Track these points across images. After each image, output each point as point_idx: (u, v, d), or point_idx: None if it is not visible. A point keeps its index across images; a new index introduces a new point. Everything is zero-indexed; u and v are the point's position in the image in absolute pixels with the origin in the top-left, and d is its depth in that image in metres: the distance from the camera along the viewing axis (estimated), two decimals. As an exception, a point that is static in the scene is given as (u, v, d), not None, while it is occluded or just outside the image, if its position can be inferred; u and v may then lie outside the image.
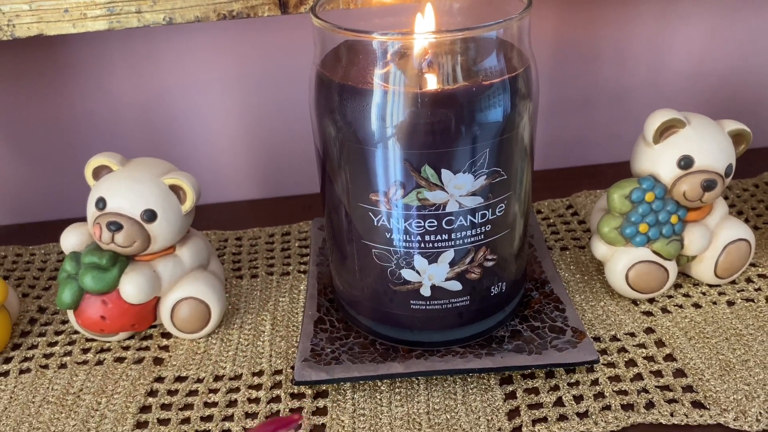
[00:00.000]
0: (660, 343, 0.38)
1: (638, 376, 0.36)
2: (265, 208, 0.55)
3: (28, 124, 0.52)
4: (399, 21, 0.38)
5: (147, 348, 0.40)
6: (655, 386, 0.35)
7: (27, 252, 0.50)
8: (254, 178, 0.56)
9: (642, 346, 0.38)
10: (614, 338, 0.39)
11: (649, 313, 0.40)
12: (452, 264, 0.34)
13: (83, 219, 0.40)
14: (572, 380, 0.36)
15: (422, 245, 0.33)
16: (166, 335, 0.41)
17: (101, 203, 0.38)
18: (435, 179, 0.32)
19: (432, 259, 0.34)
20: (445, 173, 0.31)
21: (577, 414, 0.34)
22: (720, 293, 0.41)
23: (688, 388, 0.35)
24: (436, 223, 0.33)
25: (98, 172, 0.39)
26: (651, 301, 0.41)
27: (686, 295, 0.41)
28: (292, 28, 0.50)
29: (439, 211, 0.32)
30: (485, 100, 0.31)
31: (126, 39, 0.50)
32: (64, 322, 0.43)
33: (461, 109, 0.31)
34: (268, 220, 0.52)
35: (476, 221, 0.33)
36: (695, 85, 0.56)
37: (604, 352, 0.38)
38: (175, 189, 0.39)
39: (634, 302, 0.41)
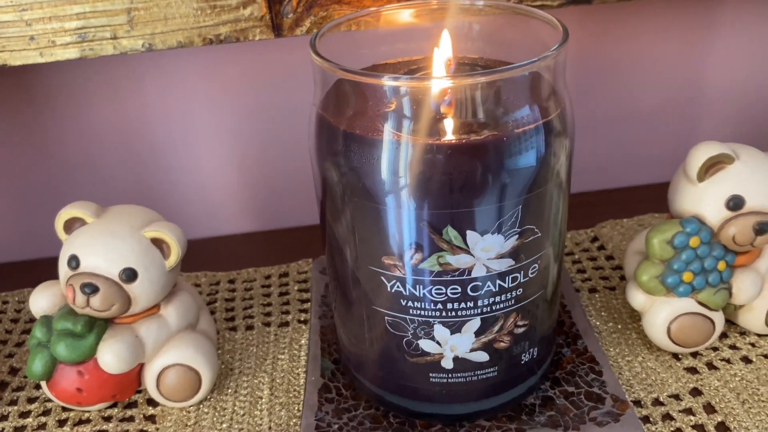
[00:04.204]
0: (710, 408, 0.34)
1: (689, 451, 0.32)
2: (259, 242, 0.50)
3: (-3, 158, 0.48)
4: (411, 47, 0.33)
5: (131, 418, 0.36)
6: (710, 464, 0.31)
7: (-1, 299, 0.45)
8: (247, 210, 0.51)
9: (689, 411, 0.34)
10: (657, 402, 0.34)
11: (693, 370, 0.36)
12: (478, 333, 0.30)
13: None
14: (614, 456, 0.32)
15: (443, 314, 0.29)
16: (152, 402, 0.36)
17: (74, 262, 0.33)
18: (459, 242, 0.27)
19: (455, 328, 0.29)
20: (471, 235, 0.27)
21: (623, 501, 0.30)
22: (771, 345, 0.37)
23: (747, 467, 0.31)
24: (459, 290, 0.28)
25: (70, 225, 0.34)
26: (694, 354, 0.37)
27: (733, 347, 0.37)
28: (286, 52, 0.45)
29: (464, 277, 0.28)
30: (517, 150, 0.26)
31: (104, 66, 0.45)
32: (39, 386, 0.38)
33: (489, 162, 0.26)
34: (264, 257, 0.47)
35: (506, 285, 0.29)
36: (731, 106, 0.51)
37: (647, 419, 0.33)
38: (158, 242, 0.34)
39: (676, 356, 0.37)
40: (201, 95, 0.47)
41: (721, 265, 0.35)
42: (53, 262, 0.43)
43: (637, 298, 0.36)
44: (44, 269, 0.41)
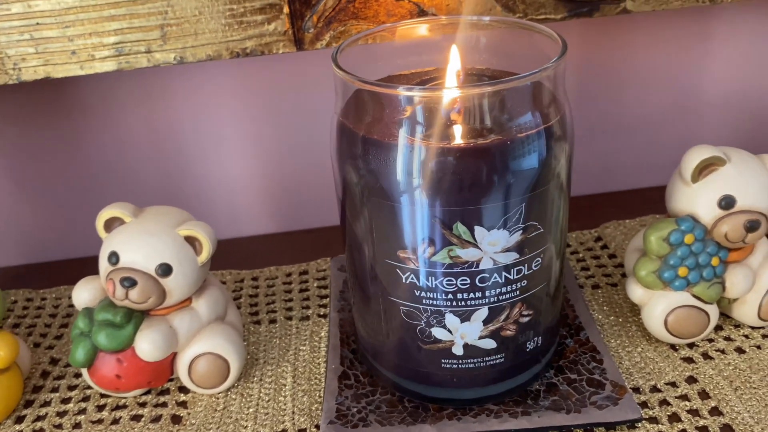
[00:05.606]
0: (704, 395, 0.36)
1: (683, 433, 0.34)
2: (280, 242, 0.53)
3: (37, 165, 0.51)
4: (423, 59, 0.36)
5: (164, 404, 0.38)
6: (702, 444, 0.33)
7: (38, 296, 0.48)
8: (269, 212, 0.54)
9: (685, 398, 0.36)
10: (655, 389, 0.37)
11: (689, 360, 0.38)
12: (486, 322, 0.32)
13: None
14: (613, 438, 0.34)
15: (454, 303, 0.32)
16: (184, 389, 0.39)
17: (114, 258, 0.36)
18: (468, 236, 0.30)
19: (464, 317, 0.32)
20: (479, 230, 0.30)
21: (621, 477, 0.32)
22: (765, 336, 0.39)
23: (737, 447, 0.33)
24: (468, 281, 0.31)
25: (110, 224, 0.37)
26: (691, 345, 0.39)
27: (728, 339, 0.39)
28: (306, 64, 0.48)
29: (473, 269, 0.31)
30: (520, 153, 0.29)
31: (136, 77, 0.48)
32: (78, 375, 0.41)
33: (495, 163, 0.29)
34: (285, 256, 0.50)
35: (511, 277, 0.31)
36: (728, 112, 0.54)
37: (644, 404, 0.36)
38: (191, 240, 0.37)
39: (673, 347, 0.39)
40: (227, 105, 0.50)
41: (715, 261, 0.37)
42: (87, 261, 0.46)
43: (636, 292, 0.39)
44: (79, 268, 0.44)
